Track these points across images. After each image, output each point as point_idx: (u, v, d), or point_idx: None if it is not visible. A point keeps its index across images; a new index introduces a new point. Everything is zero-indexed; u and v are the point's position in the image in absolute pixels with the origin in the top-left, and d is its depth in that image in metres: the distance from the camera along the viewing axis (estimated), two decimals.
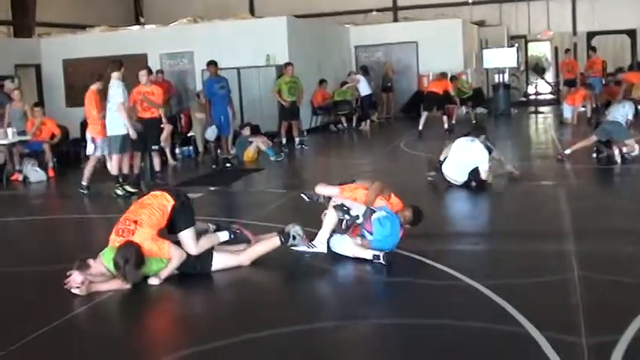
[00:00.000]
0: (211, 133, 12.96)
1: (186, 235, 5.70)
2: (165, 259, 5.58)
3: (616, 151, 10.36)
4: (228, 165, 12.39)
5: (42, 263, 6.48)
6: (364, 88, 18.49)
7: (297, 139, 14.73)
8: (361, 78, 18.63)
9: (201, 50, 16.28)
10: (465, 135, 9.54)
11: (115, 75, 9.70)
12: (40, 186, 11.53)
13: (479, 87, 20.40)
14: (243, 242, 6.06)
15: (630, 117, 10.86)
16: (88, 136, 10.30)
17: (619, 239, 6.29)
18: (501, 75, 20.29)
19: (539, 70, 26.99)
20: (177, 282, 5.61)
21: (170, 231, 5.77)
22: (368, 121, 18.41)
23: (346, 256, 5.93)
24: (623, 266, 5.49)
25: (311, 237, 6.07)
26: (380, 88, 20.35)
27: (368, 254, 5.81)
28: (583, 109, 16.68)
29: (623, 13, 22.76)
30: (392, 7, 25.02)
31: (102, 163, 10.54)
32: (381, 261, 5.67)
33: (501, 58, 20.29)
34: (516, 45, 22.45)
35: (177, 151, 13.79)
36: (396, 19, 24.60)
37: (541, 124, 18.28)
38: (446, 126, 15.72)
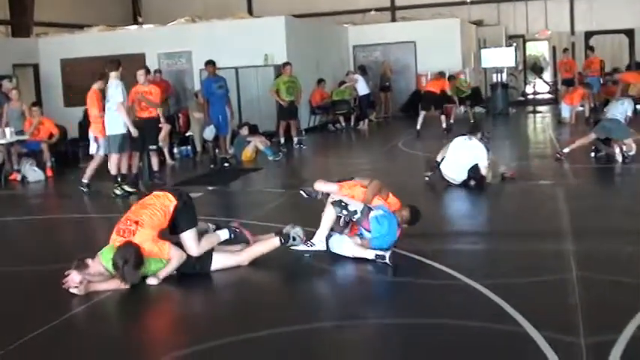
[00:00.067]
0: (209, 132, 12.95)
1: (188, 237, 5.68)
2: (164, 260, 5.58)
3: (617, 150, 10.34)
4: (226, 165, 12.39)
5: (40, 263, 6.48)
6: (362, 88, 18.49)
7: (295, 139, 14.73)
8: (359, 77, 18.64)
9: (199, 50, 16.27)
10: (462, 135, 9.55)
11: (113, 75, 9.69)
12: (38, 186, 11.52)
13: (477, 86, 20.41)
14: (243, 242, 6.06)
15: (629, 113, 10.85)
16: (91, 135, 10.30)
17: (618, 239, 6.30)
18: (499, 74, 20.30)
19: (538, 70, 27.02)
20: (176, 282, 5.61)
21: (172, 231, 5.76)
22: (366, 120, 18.42)
23: (345, 257, 5.92)
24: (621, 266, 5.49)
25: (310, 236, 6.07)
26: (378, 87, 20.37)
27: (370, 254, 5.80)
28: (581, 108, 16.71)
29: (621, 13, 22.77)
30: (390, 6, 25.02)
31: (104, 163, 10.52)
32: (387, 261, 5.65)
33: (499, 58, 20.31)
34: (514, 44, 22.50)
35: (175, 150, 13.79)
36: (394, 19, 24.60)
37: (539, 124, 18.30)
38: (444, 125, 15.72)
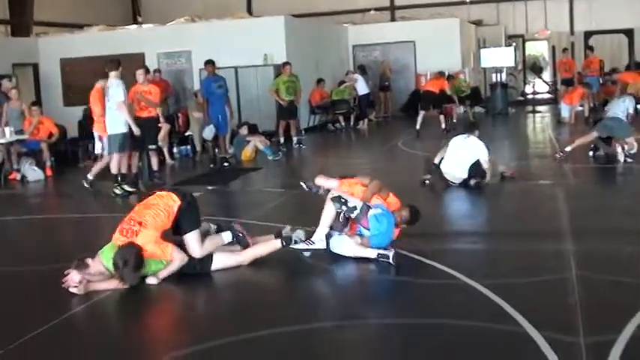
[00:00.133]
0: (209, 132, 12.96)
1: (192, 238, 5.68)
2: (165, 261, 5.57)
3: (619, 149, 10.30)
4: (225, 164, 12.38)
5: (40, 262, 6.47)
6: (362, 88, 18.50)
7: (294, 139, 14.73)
8: (359, 77, 18.64)
9: (198, 49, 16.27)
10: (459, 134, 9.56)
11: (113, 74, 9.68)
12: (38, 185, 11.52)
13: (476, 86, 20.42)
14: (243, 245, 6.04)
15: (631, 111, 10.83)
16: (95, 134, 10.29)
17: (617, 239, 6.30)
18: (499, 74, 20.30)
19: (537, 70, 27.03)
20: (176, 281, 5.60)
21: (175, 232, 5.75)
22: (366, 120, 18.42)
23: (346, 257, 5.91)
24: (621, 266, 5.49)
25: (310, 235, 6.06)
26: (378, 87, 20.37)
27: (372, 253, 5.79)
28: (581, 108, 16.72)
29: (620, 13, 22.77)
30: (389, 6, 25.02)
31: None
32: (390, 261, 5.65)
33: (499, 58, 20.31)
34: (514, 44, 22.50)
35: (174, 150, 13.79)
36: (393, 19, 24.60)
37: (539, 124, 18.30)
38: (443, 125, 15.71)
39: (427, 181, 9.24)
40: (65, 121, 14.33)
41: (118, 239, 5.53)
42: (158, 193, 5.90)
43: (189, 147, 14.09)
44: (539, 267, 5.58)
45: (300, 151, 14.39)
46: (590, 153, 10.81)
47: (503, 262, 5.91)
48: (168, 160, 13.05)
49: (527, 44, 25.96)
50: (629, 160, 10.16)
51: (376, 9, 24.55)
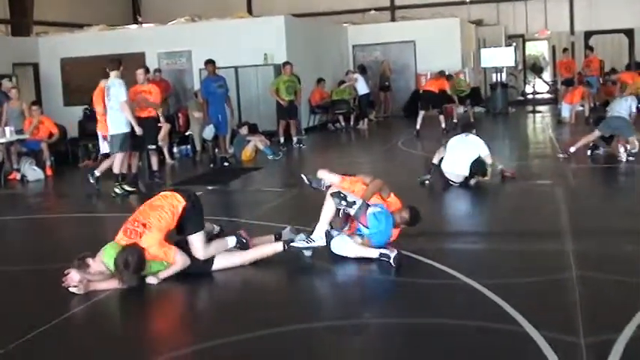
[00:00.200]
0: (209, 132, 12.96)
1: (197, 240, 5.67)
2: (167, 263, 5.56)
3: (622, 149, 10.30)
4: (226, 164, 12.38)
5: (40, 262, 6.49)
6: (362, 87, 18.50)
7: (294, 138, 14.73)
8: (359, 77, 18.64)
9: (199, 49, 16.27)
10: (457, 134, 9.58)
11: (113, 74, 9.67)
12: (38, 185, 11.52)
13: (476, 86, 20.42)
14: (245, 249, 6.03)
15: (634, 109, 10.81)
16: (99, 133, 10.29)
17: (617, 238, 6.30)
18: (499, 74, 20.31)
19: (537, 70, 27.02)
20: (176, 281, 5.59)
21: (179, 232, 5.75)
22: (366, 120, 18.42)
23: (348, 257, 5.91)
24: (621, 265, 5.49)
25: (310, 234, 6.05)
26: (378, 87, 20.38)
27: (374, 253, 5.77)
28: (581, 108, 16.72)
29: (620, 13, 22.78)
30: (389, 6, 25.03)
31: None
32: (391, 262, 5.63)
33: (499, 58, 20.32)
34: (514, 44, 22.51)
35: (174, 150, 13.79)
36: (393, 19, 24.60)
37: (539, 124, 18.29)
38: (443, 125, 15.70)
39: (427, 182, 9.24)
40: (65, 121, 14.35)
41: (122, 239, 5.51)
42: (162, 193, 5.87)
43: (189, 147, 14.10)
44: (539, 267, 5.58)
45: (300, 150, 14.39)
46: (589, 152, 10.81)
47: (503, 262, 5.91)
48: (169, 160, 13.05)
49: (528, 44, 25.97)
50: (630, 159, 10.16)
51: (376, 9, 24.56)
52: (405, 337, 4.39)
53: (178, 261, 5.55)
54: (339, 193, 6.00)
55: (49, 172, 12.12)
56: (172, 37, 17.27)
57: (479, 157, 8.98)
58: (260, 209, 8.48)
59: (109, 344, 4.53)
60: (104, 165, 10.13)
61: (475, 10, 24.10)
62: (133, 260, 5.31)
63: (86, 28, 19.57)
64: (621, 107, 10.82)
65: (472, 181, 8.94)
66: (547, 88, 25.30)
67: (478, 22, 23.83)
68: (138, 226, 5.52)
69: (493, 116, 19.31)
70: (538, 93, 24.25)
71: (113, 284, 5.39)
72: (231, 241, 5.97)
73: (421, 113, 15.61)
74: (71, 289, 5.27)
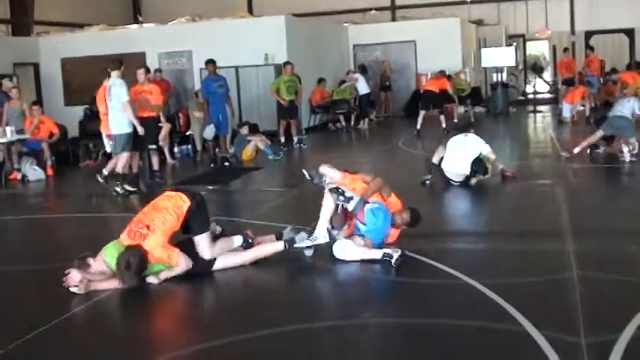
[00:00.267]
0: (209, 132, 12.96)
1: (203, 240, 5.66)
2: (169, 264, 5.56)
3: (625, 149, 10.29)
4: (226, 164, 12.38)
5: (40, 262, 6.48)
6: (362, 87, 18.49)
7: (295, 138, 14.73)
8: (359, 77, 18.63)
9: (199, 49, 16.27)
10: (456, 134, 9.59)
11: (114, 74, 9.66)
12: (39, 185, 11.53)
13: (477, 86, 20.41)
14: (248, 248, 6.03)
15: (637, 110, 10.82)
16: (103, 133, 10.29)
17: (618, 238, 6.30)
18: (499, 74, 20.29)
19: (538, 69, 27.00)
20: (177, 281, 5.59)
21: (184, 231, 5.74)
22: (366, 119, 18.42)
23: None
24: (622, 265, 5.48)
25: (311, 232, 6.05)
26: (378, 87, 20.37)
27: (377, 254, 5.74)
28: (582, 107, 16.70)
29: (621, 13, 22.77)
30: (390, 6, 25.03)
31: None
32: (392, 262, 5.62)
33: (499, 57, 20.31)
34: (514, 44, 22.49)
35: (175, 149, 13.79)
36: (394, 19, 24.60)
37: (539, 123, 18.28)
38: (444, 125, 15.69)
39: (428, 182, 9.23)
40: (66, 121, 14.35)
41: (125, 239, 5.50)
42: (167, 193, 5.83)
43: (189, 146, 14.10)
44: (539, 267, 5.58)
45: (301, 150, 14.39)
46: (588, 151, 10.80)
47: (503, 261, 5.90)
48: (169, 160, 13.05)
49: (528, 44, 25.96)
50: (633, 159, 10.16)
51: (377, 9, 24.55)
52: (405, 337, 4.39)
53: (181, 264, 5.53)
54: (337, 188, 6.00)
55: (49, 171, 12.12)
56: (173, 37, 17.28)
57: (479, 155, 8.98)
58: (261, 209, 8.48)
59: (109, 344, 4.53)
60: (111, 165, 10.12)
61: (476, 9, 24.10)
62: (135, 262, 5.31)
63: (87, 28, 19.58)
64: (624, 107, 10.81)
65: (473, 181, 8.93)
66: (548, 87, 25.29)
67: (479, 22, 23.83)
68: (142, 227, 5.50)
69: (494, 116, 19.31)
70: (539, 93, 24.23)
71: (114, 284, 5.39)
72: (237, 240, 5.97)
73: (422, 113, 15.60)
74: (72, 289, 5.27)
